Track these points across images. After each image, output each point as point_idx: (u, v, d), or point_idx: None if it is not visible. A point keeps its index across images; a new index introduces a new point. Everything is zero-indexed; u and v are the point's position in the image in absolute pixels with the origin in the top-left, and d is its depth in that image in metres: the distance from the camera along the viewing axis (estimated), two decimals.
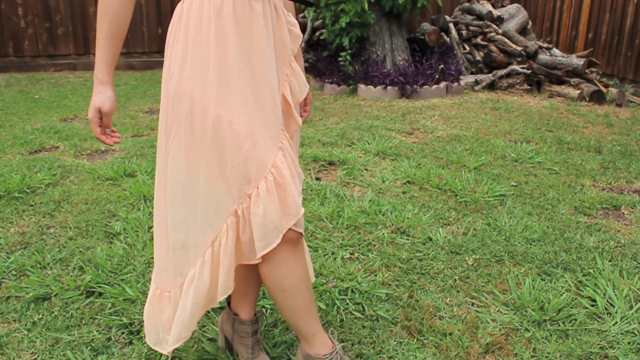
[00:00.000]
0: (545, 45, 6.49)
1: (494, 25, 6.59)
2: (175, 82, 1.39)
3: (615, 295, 2.11)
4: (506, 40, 6.39)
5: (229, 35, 1.37)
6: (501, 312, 2.03)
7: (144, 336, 1.85)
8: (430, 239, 2.57)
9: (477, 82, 6.14)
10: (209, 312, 2.01)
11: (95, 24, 1.40)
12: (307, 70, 6.67)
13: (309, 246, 2.44)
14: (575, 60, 5.85)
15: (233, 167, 1.38)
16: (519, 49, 6.25)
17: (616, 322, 1.96)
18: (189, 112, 1.37)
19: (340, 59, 5.95)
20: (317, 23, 7.01)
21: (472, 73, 6.56)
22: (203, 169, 1.40)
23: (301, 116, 1.67)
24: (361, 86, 5.73)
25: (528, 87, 6.00)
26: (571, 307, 2.05)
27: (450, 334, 1.89)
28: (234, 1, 1.38)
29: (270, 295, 1.50)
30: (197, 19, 1.37)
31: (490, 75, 6.16)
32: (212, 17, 1.36)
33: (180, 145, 1.40)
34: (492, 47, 6.48)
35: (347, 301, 2.08)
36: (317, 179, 3.35)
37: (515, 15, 6.89)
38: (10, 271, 2.26)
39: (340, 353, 1.55)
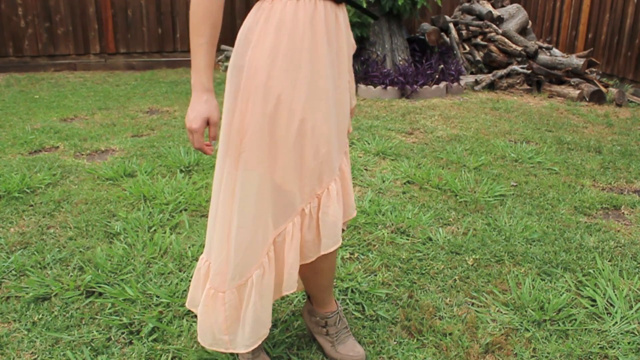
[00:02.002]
0: (545, 45, 6.49)
1: (494, 25, 6.59)
2: (261, 79, 1.37)
3: (615, 295, 2.11)
4: (506, 40, 6.39)
5: (320, 41, 1.40)
6: (501, 312, 2.03)
7: (143, 335, 1.85)
8: (430, 239, 2.57)
9: (477, 82, 6.14)
10: None
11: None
12: None
13: None
14: (575, 60, 5.85)
15: (309, 169, 1.44)
16: (519, 49, 6.25)
17: (616, 322, 1.96)
18: (275, 111, 1.38)
19: None
20: None
21: (472, 73, 6.56)
22: (279, 168, 1.42)
23: None
24: (361, 86, 5.73)
25: (528, 87, 6.00)
26: (571, 307, 2.05)
27: (450, 334, 1.89)
28: (325, 8, 1.40)
29: (300, 273, 1.63)
30: (292, 22, 1.36)
31: (490, 75, 6.16)
32: (307, 22, 1.38)
33: (261, 144, 1.39)
34: (492, 47, 6.48)
35: (347, 301, 2.08)
36: None
37: (515, 15, 6.89)
38: (10, 271, 2.26)
39: (341, 314, 1.76)
